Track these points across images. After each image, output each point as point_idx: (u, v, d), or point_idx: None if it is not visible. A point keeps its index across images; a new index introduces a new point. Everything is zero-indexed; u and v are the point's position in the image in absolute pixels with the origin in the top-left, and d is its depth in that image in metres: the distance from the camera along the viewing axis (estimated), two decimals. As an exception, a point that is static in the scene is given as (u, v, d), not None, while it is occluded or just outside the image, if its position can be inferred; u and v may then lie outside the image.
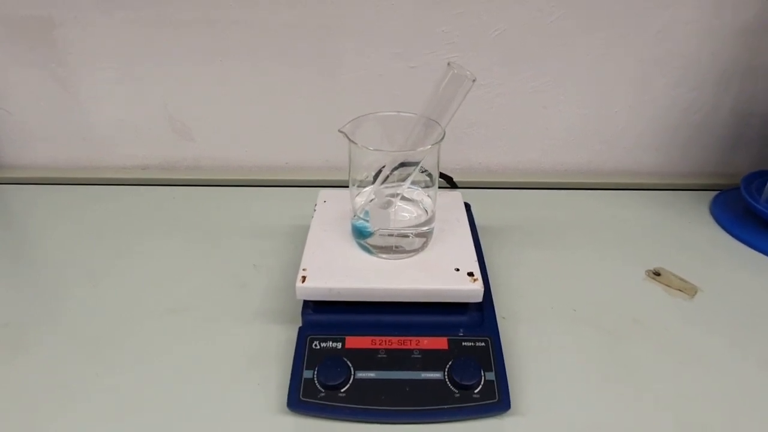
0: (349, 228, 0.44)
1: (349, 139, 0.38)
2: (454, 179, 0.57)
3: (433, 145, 0.38)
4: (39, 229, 0.56)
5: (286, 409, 0.36)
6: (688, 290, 0.47)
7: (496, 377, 0.37)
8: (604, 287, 0.48)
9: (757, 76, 0.59)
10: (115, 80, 0.61)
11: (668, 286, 0.48)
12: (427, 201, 0.43)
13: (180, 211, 0.59)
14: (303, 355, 0.38)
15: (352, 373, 0.37)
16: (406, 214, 0.42)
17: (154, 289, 0.47)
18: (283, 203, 0.61)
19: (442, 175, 0.55)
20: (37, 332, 0.43)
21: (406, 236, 0.41)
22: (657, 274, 0.49)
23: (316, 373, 0.37)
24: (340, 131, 0.38)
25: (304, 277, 0.39)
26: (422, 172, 0.41)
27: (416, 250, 0.42)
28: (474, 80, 0.36)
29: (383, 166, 0.40)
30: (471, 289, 0.39)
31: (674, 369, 0.40)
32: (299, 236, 0.45)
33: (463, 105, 0.38)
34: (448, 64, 0.36)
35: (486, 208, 0.56)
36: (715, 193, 0.62)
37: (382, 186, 0.40)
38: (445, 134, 0.38)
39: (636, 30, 0.57)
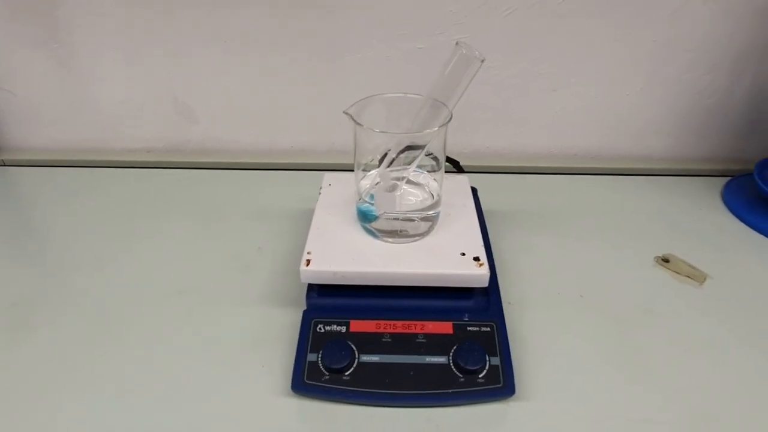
0: (354, 211, 0.44)
1: (355, 121, 0.37)
2: (461, 163, 0.56)
3: (440, 127, 0.37)
4: (45, 211, 0.56)
5: (290, 391, 0.36)
6: (698, 277, 0.47)
7: (501, 362, 0.37)
8: (612, 274, 0.47)
9: (774, 60, 0.58)
10: (119, 61, 0.61)
11: (677, 273, 0.47)
12: (434, 185, 0.42)
13: (184, 194, 0.59)
14: (307, 338, 0.38)
15: (357, 356, 0.37)
16: (412, 198, 0.42)
17: (159, 271, 0.47)
18: (288, 187, 0.60)
19: (448, 159, 0.54)
20: (45, 312, 0.43)
21: (411, 220, 0.41)
22: (666, 260, 0.48)
23: (320, 356, 0.37)
24: (345, 113, 0.37)
25: (308, 261, 0.39)
26: (428, 155, 0.40)
27: (422, 234, 0.42)
28: (483, 61, 0.35)
29: (389, 150, 0.40)
30: (477, 274, 0.39)
31: (681, 356, 0.39)
32: (304, 220, 0.45)
33: (471, 88, 0.38)
34: (456, 43, 0.36)
35: (493, 193, 0.55)
36: (727, 179, 0.60)
37: (388, 169, 0.40)
38: (452, 116, 0.38)
39: (649, 10, 0.55)
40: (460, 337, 0.38)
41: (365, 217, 0.42)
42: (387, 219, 0.41)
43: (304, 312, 0.40)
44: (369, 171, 0.42)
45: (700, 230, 0.53)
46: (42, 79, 0.62)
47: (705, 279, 0.47)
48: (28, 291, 0.45)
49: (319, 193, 0.47)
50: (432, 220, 0.42)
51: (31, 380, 0.38)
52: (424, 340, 0.38)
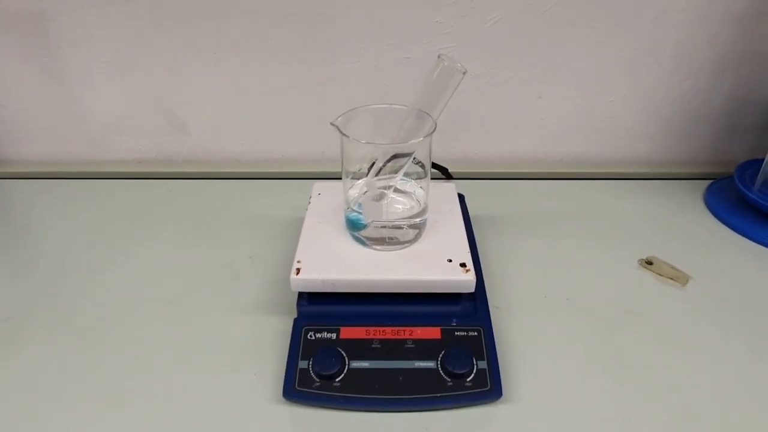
0: (343, 220, 0.44)
1: (341, 132, 0.38)
2: (450, 170, 0.57)
3: (424, 137, 0.38)
4: (36, 224, 0.57)
5: (282, 398, 0.36)
6: (680, 279, 0.48)
7: (488, 366, 0.37)
8: (597, 276, 0.48)
9: (753, 64, 0.59)
10: (109, 74, 0.61)
11: (660, 275, 0.48)
12: (420, 192, 0.43)
13: (176, 204, 0.60)
14: (298, 346, 0.39)
15: (347, 362, 0.38)
16: (399, 206, 0.43)
17: (151, 281, 0.48)
18: (279, 196, 0.61)
19: (437, 166, 0.55)
20: (37, 324, 0.43)
21: (399, 228, 0.42)
22: (649, 263, 0.50)
23: (311, 363, 0.37)
24: (332, 124, 0.38)
25: (298, 269, 0.40)
26: (416, 163, 0.41)
27: (409, 242, 0.42)
28: (465, 72, 0.36)
29: (376, 159, 0.41)
30: (463, 280, 0.39)
31: (665, 357, 0.40)
32: (295, 228, 0.46)
33: (459, 96, 0.38)
34: (439, 56, 0.36)
35: (482, 199, 0.56)
36: (709, 182, 0.62)
37: (375, 178, 0.41)
38: (436, 126, 0.38)
39: (631, 18, 0.57)
40: (448, 341, 0.39)
41: (354, 226, 0.42)
42: (375, 227, 0.41)
43: (295, 320, 0.40)
44: (357, 180, 0.43)
45: (683, 233, 0.54)
46: (33, 91, 0.62)
47: (687, 280, 0.48)
48: (20, 305, 0.46)
49: (309, 202, 0.47)
50: (419, 227, 0.43)
51: (22, 392, 0.38)
52: (412, 346, 0.39)
